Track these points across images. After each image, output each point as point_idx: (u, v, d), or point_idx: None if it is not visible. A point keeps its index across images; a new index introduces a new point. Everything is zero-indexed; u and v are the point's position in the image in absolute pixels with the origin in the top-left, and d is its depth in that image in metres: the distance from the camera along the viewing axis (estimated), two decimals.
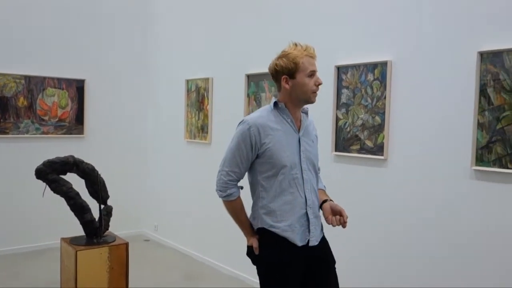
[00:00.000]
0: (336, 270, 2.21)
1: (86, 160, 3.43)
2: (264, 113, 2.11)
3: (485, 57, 2.59)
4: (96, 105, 5.46)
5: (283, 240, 2.06)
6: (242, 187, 2.17)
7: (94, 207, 3.42)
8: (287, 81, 2.06)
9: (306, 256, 2.10)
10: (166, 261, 4.93)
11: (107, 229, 3.46)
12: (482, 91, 2.60)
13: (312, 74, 2.05)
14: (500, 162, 2.54)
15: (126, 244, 3.36)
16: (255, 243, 2.12)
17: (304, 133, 2.15)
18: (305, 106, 2.18)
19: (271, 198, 2.08)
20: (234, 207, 2.16)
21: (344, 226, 2.08)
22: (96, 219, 3.39)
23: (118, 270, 3.30)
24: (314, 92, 2.07)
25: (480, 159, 2.62)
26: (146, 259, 4.93)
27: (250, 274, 4.10)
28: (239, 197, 2.15)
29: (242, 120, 2.10)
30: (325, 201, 2.18)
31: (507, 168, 2.51)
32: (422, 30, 2.91)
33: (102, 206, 3.40)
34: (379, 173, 3.16)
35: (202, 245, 4.90)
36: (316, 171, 2.20)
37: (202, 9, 4.86)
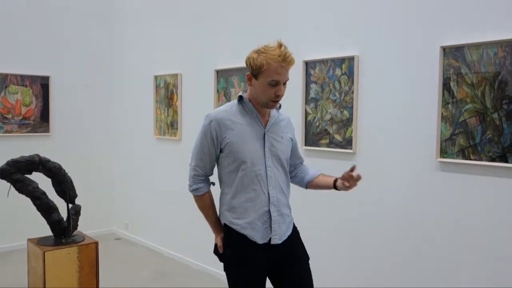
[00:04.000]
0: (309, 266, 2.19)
1: (52, 159, 3.36)
2: (228, 107, 2.08)
3: (447, 51, 2.66)
4: (62, 102, 5.34)
5: (243, 238, 2.03)
6: (213, 183, 2.15)
7: (62, 206, 3.35)
8: (250, 78, 2.02)
9: (269, 255, 2.06)
10: (137, 259, 4.88)
11: (76, 229, 3.40)
12: (445, 85, 2.68)
13: (275, 84, 1.95)
14: (463, 153, 2.62)
15: (96, 243, 3.31)
16: (219, 242, 2.12)
17: (271, 129, 2.09)
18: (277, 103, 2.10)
19: (233, 194, 2.05)
20: (201, 203, 2.15)
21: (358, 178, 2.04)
22: (64, 219, 3.33)
23: (87, 270, 3.26)
24: (273, 101, 2.00)
25: (444, 151, 2.70)
26: (117, 257, 4.87)
27: (221, 269, 4.10)
28: (207, 193, 2.14)
29: (207, 115, 2.08)
30: (335, 181, 2.15)
31: (470, 159, 2.59)
32: (387, 25, 2.96)
33: (70, 206, 3.34)
34: (348, 166, 3.20)
35: (173, 242, 4.88)
36: (285, 168, 2.14)
37: (170, 4, 4.81)
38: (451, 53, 2.64)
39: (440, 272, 2.77)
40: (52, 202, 3.29)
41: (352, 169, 2.06)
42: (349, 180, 2.07)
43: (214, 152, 2.05)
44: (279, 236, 2.07)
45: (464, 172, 2.63)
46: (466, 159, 2.61)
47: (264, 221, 2.04)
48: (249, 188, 2.02)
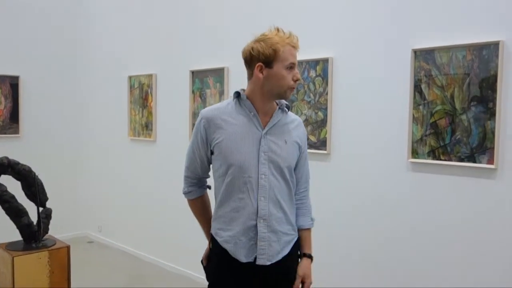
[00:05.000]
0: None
1: (22, 161, 3.27)
2: (222, 105, 1.87)
3: (418, 54, 2.72)
4: (32, 102, 5.21)
5: (225, 252, 1.81)
6: (209, 187, 1.98)
7: (32, 210, 3.27)
8: (261, 70, 1.76)
9: (254, 276, 1.80)
10: (111, 262, 4.81)
11: (47, 233, 3.32)
12: (417, 87, 2.73)
13: (292, 66, 1.76)
14: (433, 154, 2.68)
15: (67, 247, 3.24)
16: (204, 252, 1.94)
17: (272, 131, 1.82)
18: (284, 102, 1.90)
19: (220, 202, 1.84)
20: (192, 208, 2.00)
21: None
22: (35, 223, 3.25)
23: (59, 274, 3.19)
24: (291, 88, 1.78)
25: (415, 152, 2.76)
26: (90, 261, 4.78)
27: (197, 271, 4.08)
28: (199, 198, 1.96)
29: (200, 112, 1.90)
30: (301, 254, 1.92)
31: (440, 159, 2.65)
32: (360, 28, 3.01)
33: (41, 209, 3.26)
34: (322, 167, 3.24)
35: (148, 245, 4.82)
36: (286, 178, 1.84)
37: (144, 4, 4.76)
38: (422, 56, 2.70)
39: (411, 270, 2.82)
40: (22, 205, 3.21)
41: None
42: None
43: (204, 153, 1.86)
44: (267, 256, 1.79)
45: (435, 172, 2.69)
46: (437, 159, 2.66)
47: (251, 237, 1.79)
48: (235, 196, 1.79)
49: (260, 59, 1.75)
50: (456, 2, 2.58)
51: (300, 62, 3.29)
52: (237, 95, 1.84)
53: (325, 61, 3.15)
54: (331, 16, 3.16)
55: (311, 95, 3.25)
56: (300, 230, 1.96)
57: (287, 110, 1.91)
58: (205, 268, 1.95)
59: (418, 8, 2.73)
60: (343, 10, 3.09)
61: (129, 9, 4.96)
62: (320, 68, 3.19)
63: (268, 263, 1.80)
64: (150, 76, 4.66)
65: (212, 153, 1.84)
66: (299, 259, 1.95)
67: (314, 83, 3.23)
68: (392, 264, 2.91)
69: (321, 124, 3.20)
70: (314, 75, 3.23)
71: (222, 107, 1.85)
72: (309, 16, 3.28)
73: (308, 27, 3.28)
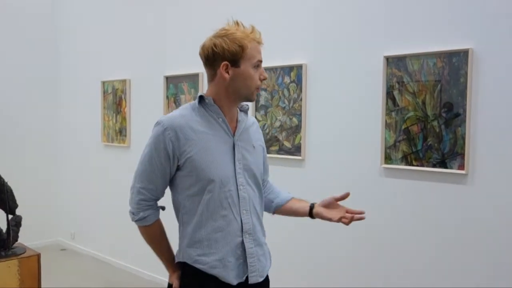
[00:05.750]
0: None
1: None
2: (186, 111, 1.62)
3: (390, 61, 2.76)
4: (2, 107, 5.08)
5: (212, 280, 1.59)
6: (163, 208, 1.71)
7: (0, 217, 3.19)
8: (227, 69, 1.58)
9: None
10: (84, 270, 4.72)
11: (16, 240, 3.24)
12: (389, 93, 2.77)
13: (259, 65, 1.62)
14: (406, 159, 2.72)
15: (38, 255, 3.17)
16: (175, 283, 1.67)
17: (241, 137, 1.67)
18: (245, 103, 1.74)
19: (197, 224, 1.60)
20: (151, 235, 1.69)
21: (362, 218, 1.79)
22: (4, 230, 3.17)
23: (29, 283, 3.10)
24: (258, 88, 1.64)
25: (388, 158, 2.79)
26: (62, 269, 4.68)
27: None
28: (157, 221, 1.68)
29: (157, 121, 1.61)
30: (311, 207, 1.82)
31: (412, 165, 2.69)
32: (334, 35, 3.04)
33: (10, 217, 3.18)
34: (297, 173, 3.25)
35: (121, 252, 4.75)
36: (259, 185, 1.72)
37: (117, 9, 4.71)
38: (394, 62, 2.74)
39: (384, 276, 2.85)
40: None
41: (345, 196, 1.79)
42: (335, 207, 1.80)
43: (168, 170, 1.59)
44: (258, 272, 1.65)
45: (407, 178, 2.73)
46: (409, 165, 2.70)
47: (238, 255, 1.61)
48: (216, 214, 1.58)
49: (225, 57, 1.57)
50: (427, 11, 2.63)
51: (275, 68, 3.30)
52: (201, 99, 1.63)
53: (299, 67, 3.17)
54: (305, 23, 3.18)
55: (286, 101, 3.27)
56: (289, 202, 1.88)
57: (247, 112, 1.77)
58: None
59: (390, 16, 2.78)
60: (316, 17, 3.12)
61: (103, 14, 4.90)
62: (294, 74, 3.21)
63: (261, 279, 1.67)
64: (124, 81, 4.60)
65: (178, 169, 1.59)
66: (311, 214, 1.85)
67: (288, 89, 3.25)
68: (365, 269, 2.93)
69: (296, 130, 3.22)
70: (288, 81, 3.24)
71: (187, 114, 1.61)
72: (283, 22, 3.30)
73: (282, 34, 3.30)
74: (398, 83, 2.73)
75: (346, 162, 3.00)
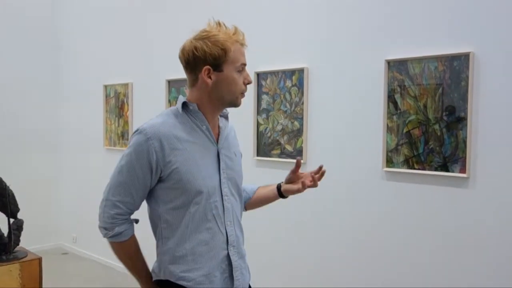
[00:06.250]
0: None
1: None
2: (169, 118, 1.51)
3: (392, 65, 2.76)
4: (5, 110, 5.10)
5: None
6: (137, 221, 1.60)
7: (2, 221, 3.19)
8: (209, 74, 1.49)
9: None
10: (86, 274, 4.71)
11: (18, 244, 3.24)
12: (390, 97, 2.77)
13: (243, 68, 1.53)
14: (407, 163, 2.72)
15: (39, 259, 3.17)
16: None
17: (224, 145, 1.60)
18: (225, 109, 1.65)
19: (180, 239, 1.49)
20: (127, 251, 1.59)
21: (320, 177, 1.69)
22: (5, 234, 3.17)
23: (31, 287, 3.11)
24: (243, 93, 1.55)
25: (390, 161, 2.79)
26: (64, 273, 4.68)
27: None
28: (133, 236, 1.57)
29: (138, 129, 1.49)
30: (278, 186, 1.75)
31: (414, 168, 2.69)
32: (335, 39, 3.04)
33: (12, 220, 3.19)
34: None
35: None
36: (241, 195, 1.66)
37: (119, 13, 4.73)
38: (395, 66, 2.74)
39: (386, 278, 2.84)
40: None
41: (298, 163, 1.68)
42: (303, 177, 1.70)
43: (149, 182, 1.48)
44: (242, 285, 1.59)
45: (409, 181, 2.73)
46: (411, 168, 2.70)
47: (223, 269, 1.54)
48: (201, 227, 1.49)
49: (207, 61, 1.47)
50: (428, 15, 2.63)
51: (276, 72, 3.31)
52: (184, 105, 1.54)
53: (301, 71, 3.18)
54: (307, 27, 3.19)
55: (287, 104, 3.27)
56: (256, 193, 1.80)
57: (227, 118, 1.69)
58: None
59: (391, 20, 2.78)
60: (318, 21, 3.13)
61: (105, 17, 4.92)
62: (296, 78, 3.21)
63: None
64: (126, 85, 4.61)
65: (160, 180, 1.49)
66: (282, 194, 1.76)
67: (290, 93, 3.25)
68: (367, 272, 2.93)
69: (297, 133, 3.22)
70: (290, 85, 3.25)
71: (170, 122, 1.50)
72: (284, 26, 3.30)
73: (283, 37, 3.30)
74: (400, 86, 2.73)
75: (348, 166, 3.00)
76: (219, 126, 1.61)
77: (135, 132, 1.50)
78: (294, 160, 3.20)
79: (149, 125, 1.48)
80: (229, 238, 1.54)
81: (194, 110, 1.53)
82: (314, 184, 1.70)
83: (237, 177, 1.62)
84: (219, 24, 1.54)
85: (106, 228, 1.52)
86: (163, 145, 1.45)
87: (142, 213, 1.61)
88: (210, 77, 1.49)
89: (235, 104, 1.56)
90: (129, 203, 1.50)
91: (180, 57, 1.55)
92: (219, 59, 1.47)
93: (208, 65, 1.48)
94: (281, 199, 1.79)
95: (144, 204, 1.59)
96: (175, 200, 1.48)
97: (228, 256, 1.54)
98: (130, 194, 1.49)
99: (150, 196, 1.54)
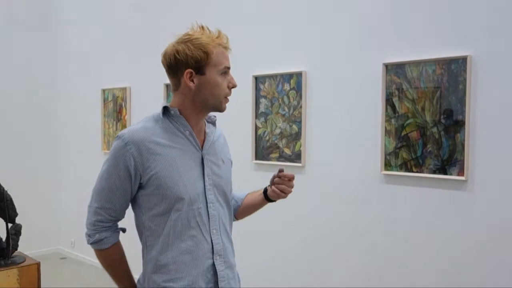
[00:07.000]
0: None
1: None
2: (149, 123, 1.49)
3: (389, 68, 2.77)
4: (2, 114, 5.10)
5: None
6: (124, 230, 1.58)
7: (0, 226, 3.19)
8: (191, 77, 1.46)
9: None
10: (84, 279, 4.70)
11: (16, 249, 3.23)
12: (388, 100, 2.78)
13: (226, 71, 1.50)
14: (405, 166, 2.72)
15: (38, 264, 3.16)
16: None
17: (210, 150, 1.56)
18: (213, 114, 1.62)
19: (162, 247, 1.47)
20: (108, 259, 1.56)
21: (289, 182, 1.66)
22: (3, 239, 3.16)
23: None
24: (227, 97, 1.52)
25: (388, 164, 2.79)
26: (62, 278, 4.67)
27: None
28: (116, 245, 1.55)
29: (118, 134, 1.48)
30: (265, 190, 1.71)
31: (412, 171, 2.69)
32: (333, 42, 3.05)
33: (10, 225, 3.18)
34: (297, 179, 3.21)
35: None
36: (228, 202, 1.61)
37: (118, 17, 4.73)
38: (393, 70, 2.75)
39: (383, 282, 2.84)
40: None
41: (280, 171, 1.67)
42: (283, 183, 1.66)
43: (129, 188, 1.46)
44: None
45: (407, 184, 2.73)
46: (409, 171, 2.70)
47: (208, 279, 1.49)
48: (184, 235, 1.45)
49: (189, 64, 1.45)
50: (426, 18, 2.64)
51: (274, 76, 3.31)
52: (165, 110, 1.51)
53: (299, 74, 3.18)
54: (305, 31, 3.19)
55: (286, 108, 3.27)
56: (244, 200, 1.75)
57: (215, 124, 1.65)
58: None
59: (389, 23, 2.79)
60: (316, 25, 3.14)
61: (103, 22, 4.92)
62: (294, 81, 3.22)
63: None
64: (124, 89, 4.62)
65: (140, 187, 1.46)
66: (264, 199, 1.73)
67: (288, 97, 3.26)
68: (364, 275, 2.92)
69: (296, 137, 3.22)
70: (288, 88, 3.25)
71: (149, 127, 1.48)
72: (282, 30, 3.31)
73: (281, 41, 3.31)
74: (398, 90, 2.74)
75: (346, 169, 3.00)
76: (205, 132, 1.58)
77: (115, 137, 1.49)
78: (293, 164, 3.22)
79: (128, 130, 1.47)
80: (214, 247, 1.50)
81: (176, 115, 1.50)
82: (284, 189, 1.67)
83: (224, 184, 1.57)
84: (202, 27, 1.53)
85: (88, 235, 1.54)
86: (141, 151, 1.43)
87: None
88: (192, 81, 1.47)
89: (219, 108, 1.52)
90: (110, 209, 1.49)
91: (162, 62, 1.53)
92: (201, 61, 1.45)
93: (190, 69, 1.46)
94: (269, 204, 1.76)
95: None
96: (156, 207, 1.45)
97: (213, 265, 1.50)
98: (110, 200, 1.48)
99: (133, 203, 1.52)
